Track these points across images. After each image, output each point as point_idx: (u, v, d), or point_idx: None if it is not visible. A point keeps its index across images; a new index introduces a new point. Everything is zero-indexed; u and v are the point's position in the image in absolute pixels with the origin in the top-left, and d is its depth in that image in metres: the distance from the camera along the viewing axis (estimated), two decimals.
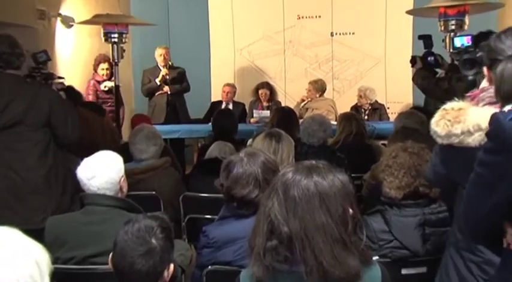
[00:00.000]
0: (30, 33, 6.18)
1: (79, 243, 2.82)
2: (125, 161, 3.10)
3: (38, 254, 1.44)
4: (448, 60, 5.47)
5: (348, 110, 7.54)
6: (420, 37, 5.66)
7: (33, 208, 3.97)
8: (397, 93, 8.79)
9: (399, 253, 2.88)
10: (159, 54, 7.87)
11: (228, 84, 8.37)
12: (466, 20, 5.73)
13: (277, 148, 3.67)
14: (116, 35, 6.38)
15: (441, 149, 2.16)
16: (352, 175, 4.44)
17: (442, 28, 5.81)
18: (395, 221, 2.88)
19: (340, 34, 9.08)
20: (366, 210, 3.01)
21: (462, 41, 4.21)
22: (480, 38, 3.83)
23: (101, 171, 2.89)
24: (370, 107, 7.98)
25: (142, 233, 2.17)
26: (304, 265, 1.75)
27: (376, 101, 8.07)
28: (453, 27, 5.72)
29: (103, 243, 2.67)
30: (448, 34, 5.71)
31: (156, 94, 7.85)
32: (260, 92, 8.41)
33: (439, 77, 5.32)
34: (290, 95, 9.12)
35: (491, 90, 2.03)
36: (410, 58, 5.63)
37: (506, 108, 1.87)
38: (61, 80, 4.76)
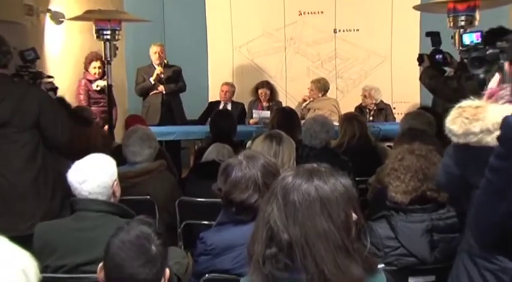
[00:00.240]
0: (18, 30, 6.18)
1: (70, 251, 2.82)
2: (118, 164, 3.10)
3: (25, 262, 1.44)
4: (457, 58, 5.47)
5: (352, 110, 7.54)
6: (428, 34, 5.66)
7: (20, 213, 3.96)
8: (404, 92, 8.79)
9: (406, 261, 2.88)
10: (153, 52, 7.87)
11: (226, 84, 8.37)
12: (477, 15, 5.72)
13: (277, 150, 3.67)
14: (109, 32, 6.37)
15: (456, 149, 2.14)
16: (357, 179, 4.45)
17: (451, 24, 5.80)
18: (401, 227, 2.88)
19: (343, 31, 9.09)
20: (371, 216, 3.01)
21: (471, 38, 4.21)
22: (490, 35, 3.83)
23: (93, 174, 2.89)
24: (375, 108, 7.98)
25: (142, 241, 2.16)
26: (305, 273, 1.75)
27: (382, 101, 8.08)
28: (463, 23, 5.71)
29: (95, 250, 2.67)
30: (458, 30, 5.70)
31: (151, 94, 7.86)
32: (260, 91, 8.41)
33: (447, 76, 5.32)
34: (291, 95, 9.13)
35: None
36: (417, 56, 5.63)
37: None
38: (50, 80, 4.77)
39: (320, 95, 8.13)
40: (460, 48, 5.25)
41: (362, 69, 9.12)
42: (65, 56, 7.43)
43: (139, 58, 8.37)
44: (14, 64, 4.30)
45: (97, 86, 7.22)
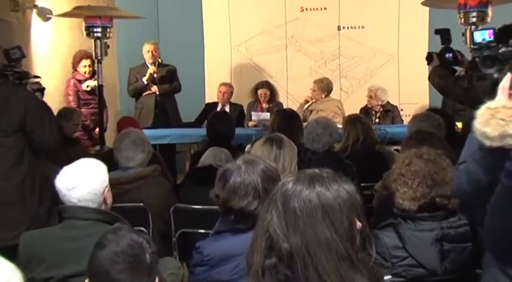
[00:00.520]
0: (3, 27, 6.18)
1: (58, 262, 2.82)
2: (110, 170, 3.10)
3: (9, 273, 1.44)
4: (469, 56, 5.48)
5: (357, 112, 7.54)
6: (437, 31, 5.67)
7: (5, 222, 3.96)
8: (412, 93, 8.80)
9: (414, 272, 2.89)
10: (147, 50, 7.88)
11: (224, 84, 8.37)
12: (489, 11, 5.73)
13: (278, 155, 3.67)
14: (99, 29, 6.38)
15: (487, 153, 2.12)
16: (362, 184, 4.45)
17: (462, 21, 5.81)
18: (409, 236, 2.88)
19: (348, 28, 9.10)
20: (377, 224, 3.01)
21: (483, 36, 4.21)
22: (503, 32, 3.83)
23: (83, 180, 2.89)
24: (381, 109, 7.98)
25: (136, 251, 2.16)
26: None
27: (388, 102, 8.08)
28: (474, 19, 5.72)
29: (85, 261, 2.64)
30: (469, 27, 5.72)
31: (144, 95, 7.87)
32: (259, 92, 8.41)
33: (458, 76, 5.33)
34: (292, 96, 9.13)
35: None
36: (426, 55, 5.63)
37: None
38: (37, 80, 4.76)
39: (323, 95, 8.13)
40: (472, 46, 5.27)
41: (367, 69, 9.12)
42: (53, 55, 7.43)
43: (132, 57, 8.37)
44: None
45: (87, 86, 7.21)
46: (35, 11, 7.03)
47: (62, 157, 4.54)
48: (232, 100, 8.36)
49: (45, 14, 7.16)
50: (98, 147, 6.75)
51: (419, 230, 2.88)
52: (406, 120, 7.32)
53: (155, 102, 7.85)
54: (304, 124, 5.43)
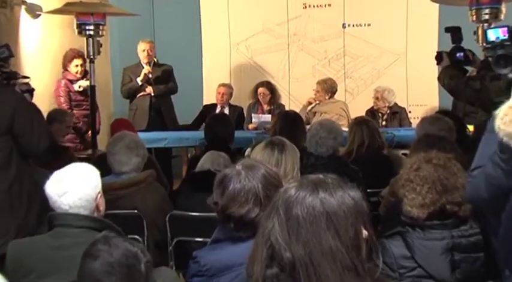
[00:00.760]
0: None
1: (48, 272, 2.82)
2: (102, 175, 3.11)
3: None
4: (481, 56, 5.48)
5: (363, 114, 7.54)
6: (447, 29, 5.67)
7: None
8: (420, 94, 8.81)
9: None
10: (142, 49, 7.88)
11: (223, 85, 8.38)
12: (503, 8, 5.74)
13: (279, 159, 3.67)
14: (92, 27, 6.38)
15: (511, 155, 2.11)
16: (368, 191, 4.45)
17: (474, 18, 5.82)
18: (418, 245, 2.88)
19: (353, 26, 9.11)
20: (384, 232, 3.01)
21: (497, 34, 4.21)
22: None
23: (74, 186, 2.89)
24: (388, 111, 7.99)
25: (132, 261, 2.16)
26: None
27: (396, 104, 8.08)
28: (487, 16, 5.72)
29: (76, 271, 2.66)
30: (481, 25, 5.72)
31: (138, 96, 7.88)
32: (259, 90, 8.37)
33: (469, 76, 5.33)
34: (295, 97, 9.14)
35: None
36: (435, 54, 5.64)
37: None
38: (26, 80, 4.76)
39: (327, 97, 8.14)
40: (484, 45, 5.25)
41: (374, 69, 9.13)
42: (43, 54, 7.43)
43: (126, 56, 8.39)
44: None
45: (79, 87, 7.21)
46: (23, 7, 7.02)
47: (50, 167, 4.57)
48: (231, 102, 8.38)
49: (34, 11, 7.15)
50: (90, 151, 6.75)
51: (428, 239, 2.88)
52: (415, 122, 7.34)
53: (150, 104, 7.86)
54: (307, 127, 5.43)
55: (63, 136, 6.38)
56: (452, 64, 5.40)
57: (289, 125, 5.24)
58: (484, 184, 2.29)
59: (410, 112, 8.48)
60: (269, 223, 1.82)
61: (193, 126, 7.97)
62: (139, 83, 7.80)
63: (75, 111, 7.15)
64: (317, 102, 8.17)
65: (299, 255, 1.76)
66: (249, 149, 4.90)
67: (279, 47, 9.31)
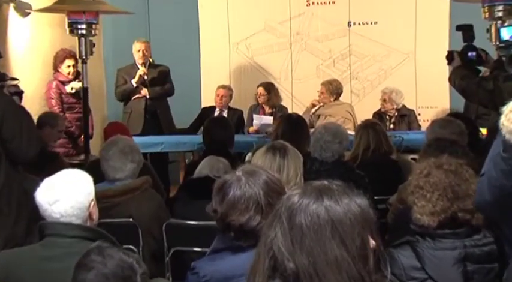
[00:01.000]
0: None
1: None
2: (96, 182, 3.11)
3: None
4: (494, 55, 5.49)
5: (370, 117, 7.55)
6: (459, 27, 5.67)
7: None
8: (430, 96, 8.80)
9: None
10: (137, 49, 7.89)
11: (222, 87, 8.39)
12: None
13: (281, 165, 3.68)
14: (84, 26, 6.39)
15: None
16: (375, 197, 4.46)
17: (487, 15, 5.81)
18: (429, 256, 2.88)
19: (359, 24, 9.11)
20: (392, 242, 3.01)
21: (511, 32, 4.22)
22: None
23: (66, 194, 2.89)
24: (396, 114, 7.99)
25: (127, 272, 2.16)
26: None
27: (404, 106, 8.09)
28: (500, 14, 5.71)
29: None
30: (494, 23, 5.71)
31: (133, 98, 7.88)
32: (257, 91, 8.36)
33: (482, 77, 5.34)
34: (298, 99, 9.13)
35: None
36: (446, 53, 5.64)
37: None
38: (15, 82, 4.77)
39: (332, 99, 8.14)
40: (498, 43, 5.27)
41: (381, 69, 9.12)
42: (32, 54, 7.44)
43: (120, 57, 8.39)
44: None
45: (71, 89, 7.20)
46: (12, 5, 7.03)
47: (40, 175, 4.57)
48: (231, 104, 8.38)
49: (23, 9, 7.16)
50: (82, 157, 6.75)
51: (439, 249, 2.88)
52: (424, 126, 7.32)
53: (146, 107, 7.87)
54: (311, 131, 5.43)
55: (55, 141, 6.38)
56: (464, 64, 5.40)
57: (292, 128, 5.24)
58: (487, 186, 2.30)
59: (419, 115, 8.48)
60: (271, 232, 1.82)
61: (191, 130, 7.98)
62: (134, 85, 7.80)
63: (67, 115, 7.15)
64: (321, 104, 8.17)
65: (303, 266, 1.76)
66: (249, 154, 4.91)
67: (281, 47, 9.31)
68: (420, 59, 8.92)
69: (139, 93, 7.84)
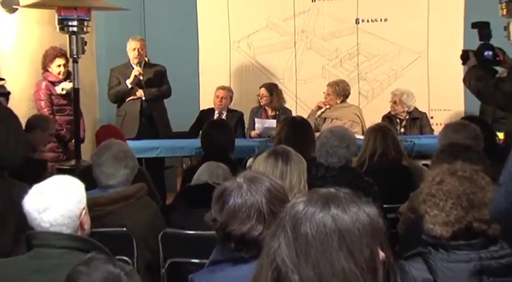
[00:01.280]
0: None
1: None
2: (87, 188, 3.11)
3: None
4: None
5: (379, 120, 7.55)
6: (474, 25, 5.68)
7: None
8: (444, 98, 8.80)
9: None
10: (132, 48, 7.91)
11: (221, 88, 8.39)
12: None
13: (284, 171, 3.68)
14: (75, 23, 6.41)
15: None
16: (384, 206, 4.45)
17: (504, 12, 5.80)
18: (442, 268, 2.88)
19: (368, 21, 9.12)
20: (403, 253, 3.01)
21: None
22: None
23: (56, 201, 2.89)
24: (407, 117, 8.00)
25: None
26: None
27: (416, 109, 8.09)
28: None
29: None
30: None
31: (127, 100, 7.89)
32: (259, 92, 8.35)
33: (499, 78, 5.34)
34: (303, 101, 9.14)
35: None
36: (461, 53, 5.64)
37: None
38: (1, 83, 4.79)
39: (339, 101, 8.15)
40: None
41: (391, 69, 9.13)
42: (20, 53, 7.45)
43: (114, 55, 8.40)
44: None
45: (62, 90, 7.20)
46: None
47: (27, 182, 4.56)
48: (231, 106, 8.38)
49: (10, 5, 7.18)
50: (73, 162, 6.75)
51: (453, 261, 2.88)
52: (437, 130, 7.32)
53: (141, 109, 7.88)
54: (317, 134, 5.43)
55: (45, 145, 6.38)
56: (480, 64, 5.40)
57: (297, 132, 5.24)
58: (504, 194, 2.30)
59: (432, 118, 8.48)
60: (274, 242, 1.82)
61: (189, 133, 7.98)
62: (129, 86, 7.81)
63: (57, 117, 7.16)
64: (327, 106, 8.17)
65: (308, 278, 1.75)
66: (251, 159, 4.91)
67: (284, 45, 9.32)
68: (433, 59, 8.93)
69: (134, 94, 7.85)
